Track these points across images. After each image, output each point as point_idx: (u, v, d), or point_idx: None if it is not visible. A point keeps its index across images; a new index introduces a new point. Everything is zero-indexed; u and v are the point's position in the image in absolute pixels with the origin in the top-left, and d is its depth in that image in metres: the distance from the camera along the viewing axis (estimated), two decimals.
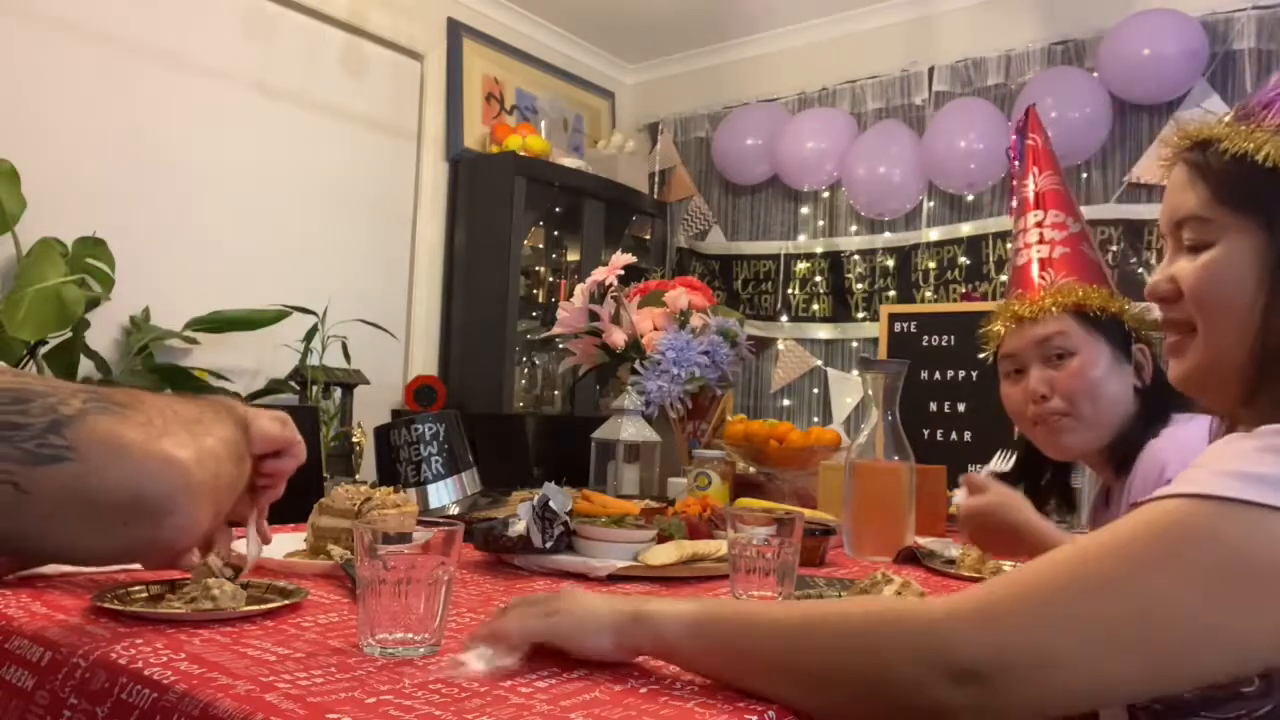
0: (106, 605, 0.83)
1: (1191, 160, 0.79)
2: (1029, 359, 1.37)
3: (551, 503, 1.19)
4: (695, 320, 2.00)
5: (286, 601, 0.90)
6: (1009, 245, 3.46)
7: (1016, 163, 1.55)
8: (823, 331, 4.11)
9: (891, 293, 3.90)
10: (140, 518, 0.64)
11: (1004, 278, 3.62)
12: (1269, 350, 0.73)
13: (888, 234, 3.94)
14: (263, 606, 0.88)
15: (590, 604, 0.75)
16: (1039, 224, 1.44)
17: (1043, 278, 1.39)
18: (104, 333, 2.80)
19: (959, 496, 1.33)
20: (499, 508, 1.45)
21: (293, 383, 3.10)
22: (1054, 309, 1.36)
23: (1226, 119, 0.78)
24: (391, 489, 1.25)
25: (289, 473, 0.90)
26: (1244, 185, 0.74)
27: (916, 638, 0.62)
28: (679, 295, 2.03)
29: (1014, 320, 1.40)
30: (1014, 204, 1.53)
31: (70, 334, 2.55)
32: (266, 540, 0.91)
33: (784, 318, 4.19)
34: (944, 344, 2.23)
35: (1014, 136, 1.58)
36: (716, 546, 1.23)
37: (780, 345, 4.17)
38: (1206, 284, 0.76)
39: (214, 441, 0.72)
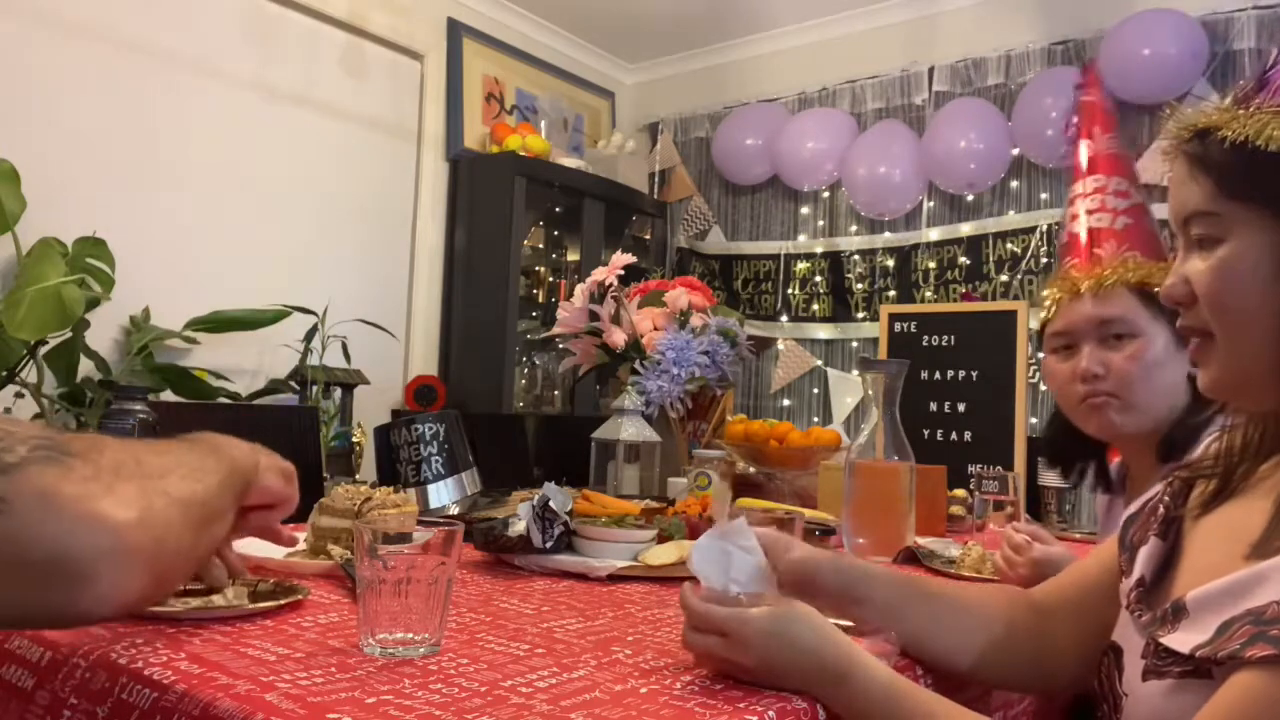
0: None
1: (1191, 152, 0.73)
2: (1084, 337, 1.32)
3: (551, 503, 1.19)
4: (695, 320, 2.00)
5: (287, 600, 0.90)
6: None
7: (1074, 120, 1.47)
8: (823, 331, 4.11)
9: (891, 293, 3.90)
10: (57, 582, 0.56)
11: (1004, 278, 3.62)
12: None
13: (888, 234, 3.94)
14: (263, 605, 0.88)
15: (797, 653, 0.72)
16: (1100, 189, 1.35)
17: (1102, 249, 1.32)
18: (104, 333, 2.80)
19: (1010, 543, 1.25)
20: (499, 508, 1.45)
21: (293, 383, 3.09)
22: (1118, 285, 1.29)
23: (1225, 105, 0.72)
24: (391, 489, 1.25)
25: (273, 527, 0.89)
26: (1249, 174, 0.68)
27: None
28: (679, 295, 2.03)
29: (1072, 293, 1.33)
30: (1067, 167, 1.45)
31: (70, 334, 2.55)
32: (235, 571, 0.87)
33: (784, 318, 4.19)
34: (944, 344, 2.23)
35: (1074, 92, 1.48)
36: None
37: (780, 345, 4.17)
38: (1219, 286, 0.70)
39: (167, 504, 0.63)
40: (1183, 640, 0.66)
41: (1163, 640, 0.68)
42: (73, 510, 0.56)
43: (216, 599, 0.86)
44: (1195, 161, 0.72)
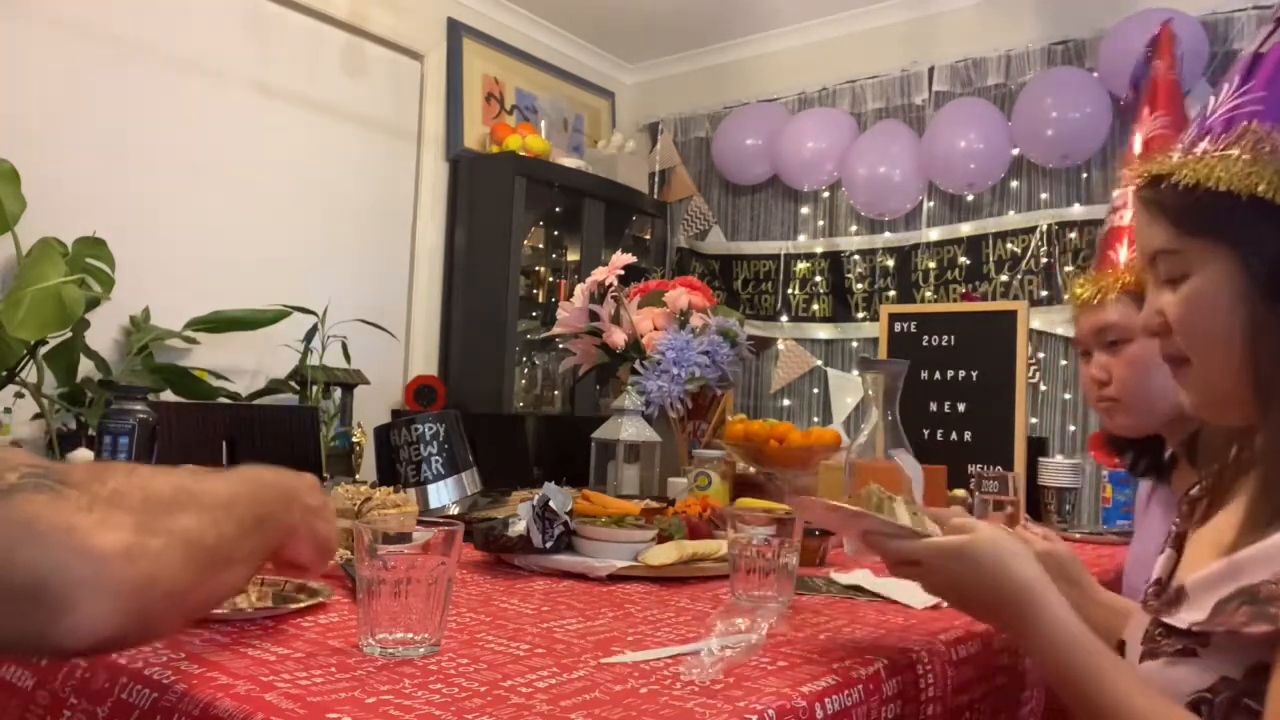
0: None
1: (1148, 198, 0.80)
2: (1091, 345, 1.37)
3: (551, 503, 1.19)
4: (695, 320, 2.00)
5: (311, 602, 0.91)
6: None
7: (1133, 94, 1.45)
8: (823, 331, 4.11)
9: (891, 293, 3.90)
10: (32, 610, 0.53)
11: (1004, 278, 3.62)
12: (1261, 372, 0.73)
13: (888, 234, 3.94)
14: (290, 607, 0.89)
15: (988, 589, 0.83)
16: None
17: (1115, 250, 1.36)
18: (104, 333, 2.80)
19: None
20: (499, 508, 1.45)
21: (293, 383, 3.09)
22: (1112, 294, 1.33)
23: (1172, 153, 0.79)
24: (391, 489, 1.26)
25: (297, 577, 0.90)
26: (1205, 213, 0.75)
27: None
28: (679, 295, 2.03)
29: (1078, 305, 1.39)
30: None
31: (70, 334, 2.55)
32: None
33: (784, 318, 4.19)
34: (944, 344, 2.22)
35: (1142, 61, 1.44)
36: (716, 546, 1.23)
37: (780, 345, 4.17)
38: (1189, 315, 0.77)
39: (167, 540, 0.59)
40: (1182, 619, 0.74)
41: (1165, 619, 0.76)
42: (56, 538, 0.54)
43: (240, 601, 0.87)
44: (1153, 206, 0.80)
